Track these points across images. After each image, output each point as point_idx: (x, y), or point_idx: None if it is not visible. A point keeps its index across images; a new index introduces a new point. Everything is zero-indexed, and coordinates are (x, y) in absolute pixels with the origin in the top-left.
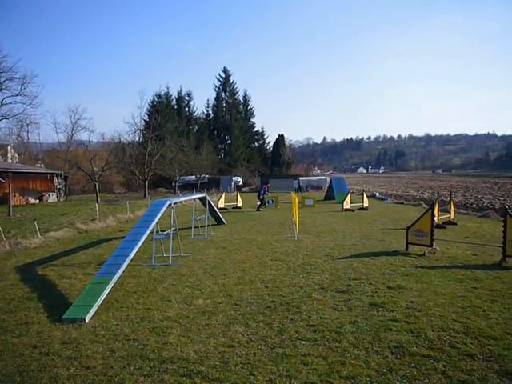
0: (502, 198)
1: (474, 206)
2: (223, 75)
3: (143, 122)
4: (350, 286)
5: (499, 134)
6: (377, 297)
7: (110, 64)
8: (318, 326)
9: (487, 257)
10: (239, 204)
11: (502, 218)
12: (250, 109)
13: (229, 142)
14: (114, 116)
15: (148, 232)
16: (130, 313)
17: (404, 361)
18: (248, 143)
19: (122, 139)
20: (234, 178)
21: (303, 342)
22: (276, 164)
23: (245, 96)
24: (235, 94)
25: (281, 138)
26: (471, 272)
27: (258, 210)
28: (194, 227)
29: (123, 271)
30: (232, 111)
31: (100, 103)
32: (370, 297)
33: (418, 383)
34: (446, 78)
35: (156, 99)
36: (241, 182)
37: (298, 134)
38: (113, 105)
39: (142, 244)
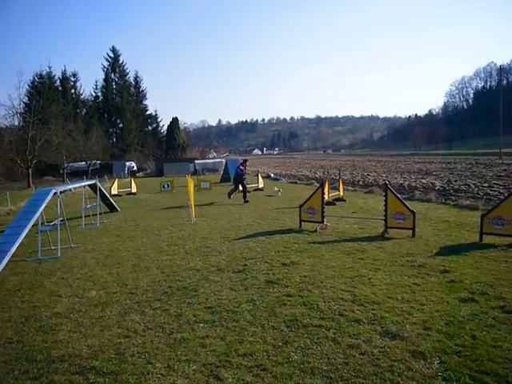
0: (385, 175)
1: (361, 183)
2: (112, 55)
3: (23, 104)
4: (246, 265)
5: (381, 116)
6: (272, 274)
7: None
8: (216, 308)
9: (372, 229)
10: (133, 190)
11: (384, 193)
12: (142, 91)
13: (121, 125)
14: None
15: (31, 224)
16: (12, 313)
17: (298, 333)
18: (141, 127)
19: None
20: (127, 163)
21: (201, 325)
22: (171, 147)
23: (136, 78)
24: (126, 76)
25: (175, 121)
26: (358, 244)
27: (233, 192)
28: (85, 216)
29: (3, 269)
30: (123, 93)
31: None
32: (265, 275)
33: (311, 352)
34: (331, 62)
35: (37, 79)
36: (135, 167)
37: (192, 116)
38: None
39: (26, 237)
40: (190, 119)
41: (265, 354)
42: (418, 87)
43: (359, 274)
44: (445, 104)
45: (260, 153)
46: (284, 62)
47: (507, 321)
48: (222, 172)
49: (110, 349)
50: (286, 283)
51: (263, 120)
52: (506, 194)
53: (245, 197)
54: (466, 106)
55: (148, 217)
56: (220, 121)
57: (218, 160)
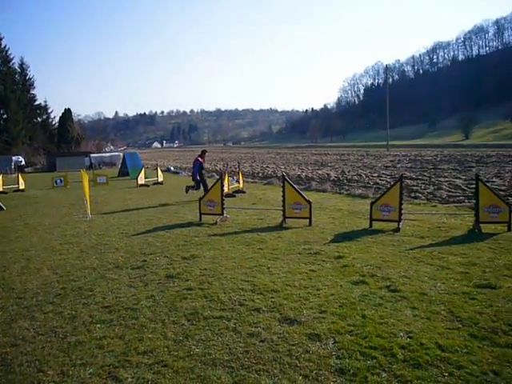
0: (283, 167)
1: (260, 174)
2: None
3: None
4: (145, 261)
5: (280, 109)
6: (172, 268)
7: None
8: (114, 306)
9: (271, 220)
10: (21, 186)
11: (282, 185)
12: (30, 79)
13: (5, 116)
14: None
15: None
16: None
17: (199, 325)
18: (29, 118)
19: None
20: (14, 158)
21: (98, 326)
22: (64, 141)
23: (22, 64)
24: (9, 62)
25: (68, 112)
26: (257, 235)
27: (191, 188)
28: None
29: None
30: (6, 81)
31: None
32: (165, 269)
33: (213, 343)
34: (228, 56)
35: None
36: (23, 162)
37: (87, 108)
38: None
39: None
40: (84, 111)
41: (165, 349)
42: (313, 83)
43: (259, 264)
44: (338, 99)
45: (159, 146)
46: (181, 53)
47: (392, 299)
48: (119, 166)
49: None
50: (187, 277)
51: (162, 113)
52: (391, 183)
53: (192, 188)
54: (357, 101)
55: (38, 215)
56: (117, 113)
57: (116, 153)
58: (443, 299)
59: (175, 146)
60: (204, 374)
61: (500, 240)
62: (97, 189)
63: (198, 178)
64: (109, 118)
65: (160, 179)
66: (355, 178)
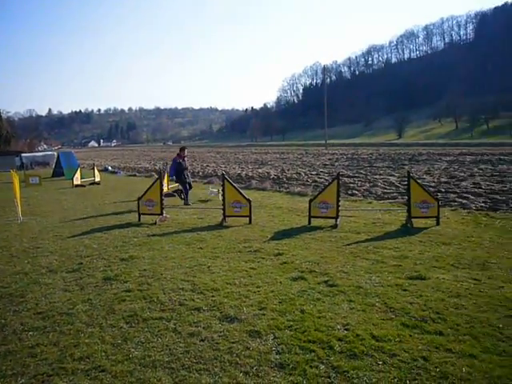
0: (224, 166)
1: (200, 173)
2: None
3: None
4: (81, 264)
5: (220, 108)
6: (110, 271)
7: None
8: (48, 312)
9: (211, 219)
10: None
11: (222, 183)
12: None
13: None
14: None
15: None
16: None
17: (138, 327)
18: None
19: None
20: None
21: (30, 333)
22: None
23: None
24: None
25: None
26: (197, 234)
27: (181, 198)
28: None
29: None
30: None
31: None
32: (102, 272)
33: (152, 345)
34: (168, 56)
35: None
36: None
37: (17, 105)
38: None
39: None
40: (14, 108)
41: (103, 354)
42: (253, 82)
43: (199, 263)
44: (278, 98)
45: (96, 145)
46: (122, 50)
47: (330, 293)
48: (53, 166)
49: None
50: (125, 278)
51: (99, 110)
52: (329, 181)
53: (182, 195)
54: (296, 101)
55: None
56: (50, 110)
57: (49, 153)
58: (378, 291)
59: (113, 145)
60: (144, 376)
61: (430, 234)
62: (29, 190)
63: (175, 177)
64: (41, 116)
65: (97, 179)
66: (294, 176)
